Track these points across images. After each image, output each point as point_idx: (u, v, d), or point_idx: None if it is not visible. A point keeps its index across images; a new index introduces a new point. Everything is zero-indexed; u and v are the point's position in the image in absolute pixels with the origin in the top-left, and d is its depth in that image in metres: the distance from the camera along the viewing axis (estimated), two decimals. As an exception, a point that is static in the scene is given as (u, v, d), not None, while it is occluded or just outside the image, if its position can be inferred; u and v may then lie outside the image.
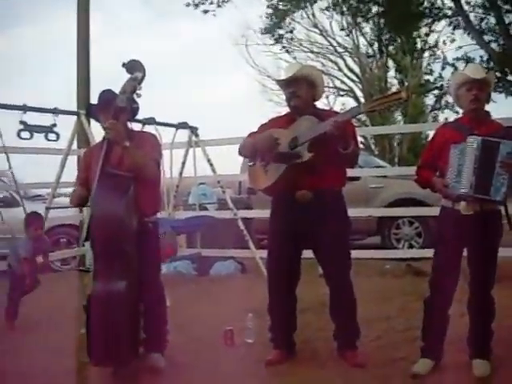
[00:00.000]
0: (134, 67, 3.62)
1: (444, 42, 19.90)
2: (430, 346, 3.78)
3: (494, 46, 10.61)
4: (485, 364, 3.67)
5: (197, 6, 11.49)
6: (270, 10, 12.58)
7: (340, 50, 28.38)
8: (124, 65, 3.62)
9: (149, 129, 6.70)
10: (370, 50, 25.09)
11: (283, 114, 4.18)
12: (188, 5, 11.55)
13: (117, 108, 3.57)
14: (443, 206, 3.76)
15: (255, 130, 4.12)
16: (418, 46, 20.06)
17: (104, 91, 3.88)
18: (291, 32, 13.66)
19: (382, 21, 11.98)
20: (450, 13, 11.38)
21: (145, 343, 3.95)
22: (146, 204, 3.75)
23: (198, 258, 7.93)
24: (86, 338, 3.56)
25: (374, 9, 11.76)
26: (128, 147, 3.55)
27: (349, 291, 3.98)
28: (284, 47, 14.17)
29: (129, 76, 3.62)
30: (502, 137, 3.53)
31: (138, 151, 3.64)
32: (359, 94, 27.39)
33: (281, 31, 12.94)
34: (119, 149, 3.59)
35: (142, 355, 3.93)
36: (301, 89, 3.88)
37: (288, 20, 12.86)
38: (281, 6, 12.32)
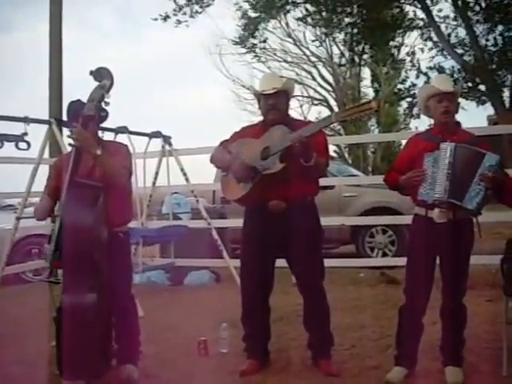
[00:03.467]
0: (101, 75, 3.55)
1: (413, 53, 20.19)
2: (404, 353, 3.80)
3: (465, 56, 10.76)
4: (457, 371, 3.69)
5: (166, 19, 11.42)
6: (244, 20, 12.60)
7: (314, 59, 28.64)
8: (91, 72, 3.56)
9: (122, 138, 6.66)
10: (344, 60, 25.30)
11: (255, 122, 4.17)
12: (156, 19, 11.50)
13: (85, 116, 3.50)
14: (416, 213, 3.79)
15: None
16: (393, 55, 20.24)
17: (73, 102, 3.83)
18: (264, 41, 13.68)
19: (355, 31, 12.06)
20: (421, 24, 11.53)
21: (117, 355, 3.90)
22: (117, 214, 3.69)
23: (172, 267, 7.88)
24: (56, 351, 3.50)
25: (347, 19, 11.83)
26: (99, 156, 3.49)
27: (322, 300, 3.98)
28: (258, 56, 14.21)
29: (97, 84, 3.55)
30: (472, 145, 3.57)
31: (109, 160, 3.59)
32: (333, 103, 27.64)
33: (254, 40, 12.96)
34: (89, 158, 3.53)
35: (115, 367, 3.88)
36: (281, 102, 3.91)
37: (261, 29, 12.88)
38: (252, 14, 12.33)
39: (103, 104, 3.55)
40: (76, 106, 3.75)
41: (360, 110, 3.52)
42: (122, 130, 6.71)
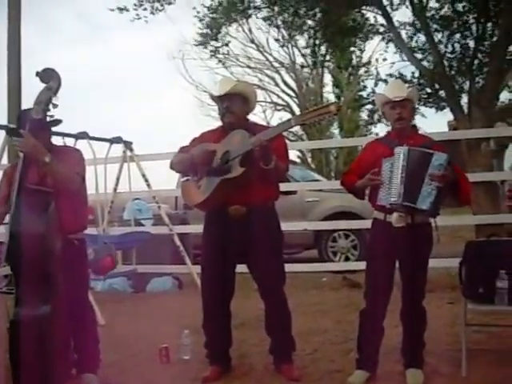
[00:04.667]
0: (48, 76, 3.42)
1: (377, 60, 20.41)
2: (365, 357, 3.82)
3: (424, 62, 10.91)
4: (418, 373, 3.74)
5: (122, 10, 11.25)
6: (205, 23, 12.56)
7: (276, 65, 28.76)
8: (38, 74, 3.42)
9: (82, 143, 6.58)
10: (306, 65, 25.47)
11: (215, 127, 4.16)
12: (113, 10, 11.31)
13: (32, 120, 3.36)
14: (375, 218, 3.82)
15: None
16: (354, 61, 20.50)
17: (24, 111, 3.72)
18: (226, 45, 13.62)
19: (317, 34, 12.12)
20: (382, 29, 11.65)
21: (76, 364, 3.83)
22: (71, 220, 3.59)
23: (134, 274, 7.81)
24: (10, 364, 3.37)
25: (309, 22, 11.88)
26: (48, 163, 3.37)
27: (283, 305, 3.98)
28: (220, 61, 14.17)
29: (43, 86, 3.41)
30: (427, 148, 3.63)
31: (60, 166, 3.47)
32: (296, 108, 27.75)
33: (216, 43, 12.92)
34: (40, 163, 3.40)
35: (75, 376, 3.82)
36: (235, 105, 3.88)
37: (223, 33, 12.85)
38: (213, 16, 12.28)
39: (51, 106, 3.42)
40: (26, 114, 3.54)
41: (319, 114, 3.54)
42: (82, 135, 6.62)
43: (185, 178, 4.04)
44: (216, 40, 12.81)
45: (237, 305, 4.16)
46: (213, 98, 4.09)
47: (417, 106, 11.54)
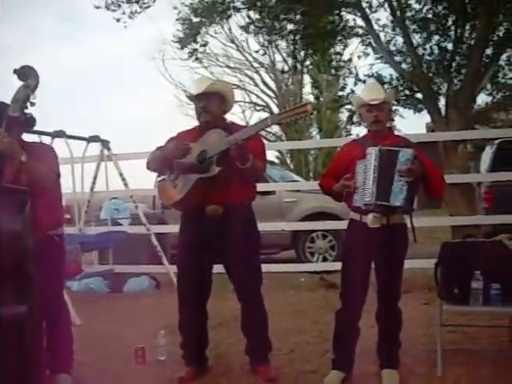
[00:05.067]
0: (26, 74, 3.35)
1: (359, 57, 20.43)
2: (341, 357, 3.83)
3: (403, 64, 11.00)
4: (393, 373, 3.75)
5: (98, 7, 11.18)
6: (185, 25, 12.50)
7: (256, 65, 28.77)
8: (15, 71, 3.35)
9: (59, 142, 6.53)
10: (286, 67, 25.52)
11: (192, 127, 4.13)
12: (98, 7, 11.23)
13: (9, 118, 3.29)
14: (351, 218, 3.84)
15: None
16: (334, 63, 20.55)
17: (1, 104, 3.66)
18: (204, 45, 13.56)
19: (297, 37, 12.14)
20: (361, 32, 11.69)
21: (50, 364, 3.78)
22: (48, 217, 3.55)
23: (111, 274, 7.76)
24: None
25: (289, 26, 11.90)
26: (24, 162, 3.31)
27: (259, 306, 3.97)
28: (197, 59, 14.09)
29: (21, 83, 3.34)
30: (403, 147, 3.65)
31: (35, 164, 3.42)
32: (275, 109, 27.73)
33: (195, 45, 12.86)
34: (15, 161, 3.33)
35: (48, 377, 3.77)
36: (212, 104, 3.86)
37: (203, 34, 12.80)
38: (193, 19, 12.25)
39: (29, 105, 3.37)
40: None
41: (295, 113, 3.54)
42: (59, 133, 6.58)
43: (161, 178, 4.01)
44: (195, 41, 12.76)
45: (214, 305, 4.15)
46: (189, 97, 4.07)
47: (395, 107, 11.68)
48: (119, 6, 11.16)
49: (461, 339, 4.49)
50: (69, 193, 6.82)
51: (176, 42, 13.18)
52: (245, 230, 3.85)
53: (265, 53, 14.79)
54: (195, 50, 13.25)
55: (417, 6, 11.06)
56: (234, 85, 28.99)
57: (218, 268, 3.97)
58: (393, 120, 11.63)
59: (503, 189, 8.34)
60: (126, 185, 7.63)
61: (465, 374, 3.85)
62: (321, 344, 4.61)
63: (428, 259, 5.46)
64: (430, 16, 10.96)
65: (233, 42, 27.25)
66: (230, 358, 4.33)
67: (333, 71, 17.07)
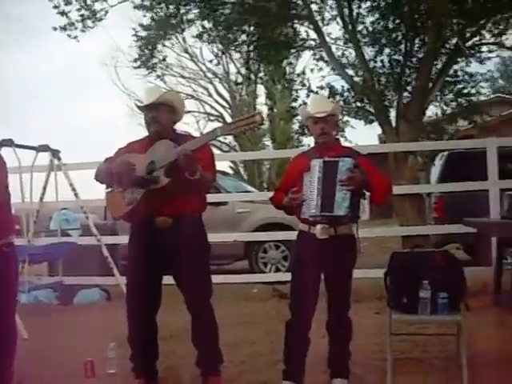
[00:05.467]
0: None
1: (311, 70, 20.54)
2: (292, 368, 3.83)
3: (355, 77, 11.16)
4: (344, 383, 3.78)
5: (64, 29, 11.06)
6: (139, 42, 12.39)
7: (210, 75, 28.84)
8: None
9: (7, 151, 6.38)
10: (240, 77, 25.56)
11: (143, 137, 4.09)
12: (55, 29, 11.08)
13: None
14: (300, 230, 3.87)
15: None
16: (287, 74, 20.71)
17: None
18: (164, 60, 13.50)
19: (250, 48, 12.19)
20: (313, 44, 11.81)
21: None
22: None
23: (61, 286, 7.61)
24: None
25: (243, 37, 11.94)
26: None
27: (209, 317, 3.93)
28: (154, 71, 13.99)
29: None
30: (351, 157, 3.71)
31: None
32: (229, 119, 27.77)
33: (154, 60, 12.76)
34: None
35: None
36: (161, 114, 3.82)
37: (159, 46, 12.70)
38: (148, 34, 12.17)
39: None
40: None
41: (245, 124, 3.54)
42: (7, 142, 6.43)
43: (109, 189, 3.96)
44: (153, 56, 12.68)
45: (165, 317, 4.11)
46: (139, 107, 4.04)
47: (347, 118, 11.82)
48: (73, 24, 11.03)
49: (410, 348, 4.55)
50: (17, 203, 6.67)
51: (135, 61, 13.04)
52: (194, 241, 3.81)
53: (218, 63, 14.83)
54: (154, 64, 13.16)
55: (368, 20, 11.25)
56: (187, 95, 28.99)
57: (169, 279, 3.93)
58: (343, 131, 11.78)
59: (452, 199, 8.52)
60: (76, 195, 7.50)
61: (414, 382, 3.92)
62: (272, 355, 4.59)
63: (379, 269, 5.51)
64: (380, 29, 11.14)
65: (187, 51, 27.25)
66: (180, 370, 4.30)
67: (286, 83, 17.14)
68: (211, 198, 7.65)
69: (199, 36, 11.91)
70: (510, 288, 5.89)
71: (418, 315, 3.85)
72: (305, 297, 3.76)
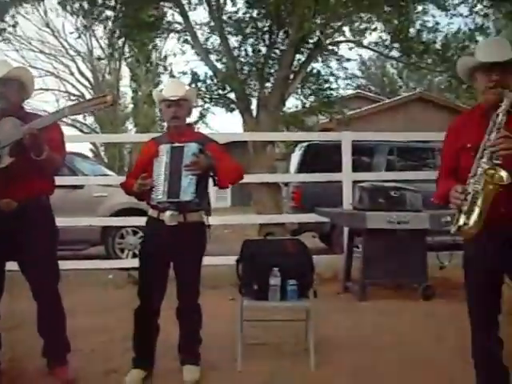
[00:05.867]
0: None
1: (175, 54, 20.31)
2: (141, 355, 3.81)
3: (218, 64, 11.22)
4: (194, 369, 3.80)
5: None
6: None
7: (72, 53, 27.79)
8: None
9: None
10: (103, 55, 24.87)
11: None
12: None
13: None
14: (150, 215, 3.84)
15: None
16: (153, 57, 20.42)
17: None
18: (14, 26, 12.71)
19: (116, 25, 11.84)
20: (179, 28, 11.71)
21: None
22: None
23: None
24: None
25: (108, 13, 11.56)
26: None
27: (56, 305, 3.79)
28: (8, 42, 13.17)
29: None
30: (200, 143, 3.70)
31: None
32: (91, 100, 26.92)
33: (3, 24, 11.98)
34: None
35: None
36: (9, 90, 3.61)
37: (13, 13, 11.95)
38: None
39: None
40: None
41: (95, 104, 3.43)
42: None
43: None
44: (2, 20, 11.92)
45: (13, 305, 3.91)
46: None
47: (208, 105, 11.84)
48: None
49: (263, 334, 4.63)
50: None
51: None
52: (40, 225, 3.65)
53: (79, 36, 14.21)
54: (3, 29, 12.38)
55: (233, 9, 11.33)
56: (47, 72, 27.76)
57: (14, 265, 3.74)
58: (204, 117, 11.75)
59: (309, 189, 8.82)
60: None
61: (264, 366, 4.01)
62: (125, 342, 4.48)
63: (236, 256, 5.61)
64: (246, 19, 11.26)
65: (48, 26, 26.06)
66: (26, 361, 4.09)
67: (150, 66, 16.91)
68: (67, 180, 7.44)
69: (62, 4, 11.40)
70: (359, 276, 6.18)
71: (268, 302, 3.96)
72: (152, 283, 3.76)
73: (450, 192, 2.76)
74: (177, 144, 3.68)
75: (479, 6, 11.81)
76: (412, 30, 11.73)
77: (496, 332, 2.97)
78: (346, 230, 6.87)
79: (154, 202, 3.68)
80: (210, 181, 3.80)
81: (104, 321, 5.26)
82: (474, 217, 2.65)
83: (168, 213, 3.64)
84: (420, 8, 11.84)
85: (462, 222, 2.68)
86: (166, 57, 13.09)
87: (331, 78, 12.55)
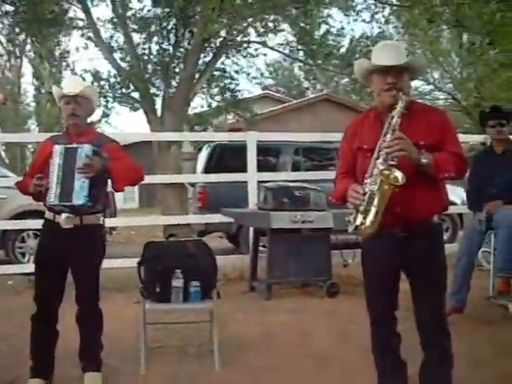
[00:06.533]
0: None
1: (77, 49, 19.67)
2: (40, 364, 3.69)
3: (122, 62, 11.02)
4: (96, 376, 3.71)
5: None
6: None
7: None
8: None
9: None
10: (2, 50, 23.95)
11: None
12: None
13: None
14: (46, 218, 3.73)
15: None
16: (57, 53, 19.88)
17: None
18: None
19: (15, 21, 11.43)
20: (81, 24, 11.46)
21: None
22: None
23: None
24: None
25: (7, 7, 11.15)
26: None
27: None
28: None
29: None
30: (98, 144, 3.63)
31: None
32: (-11, 97, 25.85)
33: None
34: None
35: None
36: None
37: None
38: None
39: None
40: None
41: None
42: None
43: None
44: None
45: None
46: None
47: (112, 104, 11.63)
48: None
49: (167, 336, 4.60)
50: None
51: None
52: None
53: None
54: None
55: (138, 5, 11.20)
56: None
57: None
58: (107, 116, 11.53)
59: (216, 189, 8.81)
60: None
61: (168, 369, 3.98)
62: (25, 350, 4.34)
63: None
64: (150, 16, 11.14)
65: None
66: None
67: (54, 62, 16.41)
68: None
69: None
70: (264, 275, 6.23)
71: (171, 304, 3.93)
72: (48, 288, 3.66)
73: (347, 192, 2.82)
74: (70, 145, 3.57)
75: (380, 14, 12.27)
76: (317, 33, 11.99)
77: (394, 327, 3.07)
78: (251, 230, 6.91)
79: (48, 204, 3.58)
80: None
81: (3, 328, 5.05)
82: (371, 217, 2.72)
83: (63, 215, 3.55)
84: (325, 12, 12.14)
85: (359, 221, 2.76)
86: (68, 52, 12.75)
87: (238, 76, 12.62)
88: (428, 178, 2.79)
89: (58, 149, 3.56)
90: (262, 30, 12.18)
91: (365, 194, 2.73)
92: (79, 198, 3.48)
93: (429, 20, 11.27)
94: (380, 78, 2.90)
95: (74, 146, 3.56)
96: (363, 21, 12.80)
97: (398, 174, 2.68)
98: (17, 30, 11.94)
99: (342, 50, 12.30)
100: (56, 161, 3.54)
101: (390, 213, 2.74)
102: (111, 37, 11.42)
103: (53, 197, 3.51)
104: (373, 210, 2.72)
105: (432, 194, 2.86)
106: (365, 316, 3.15)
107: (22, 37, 12.77)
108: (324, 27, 12.18)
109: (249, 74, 13.42)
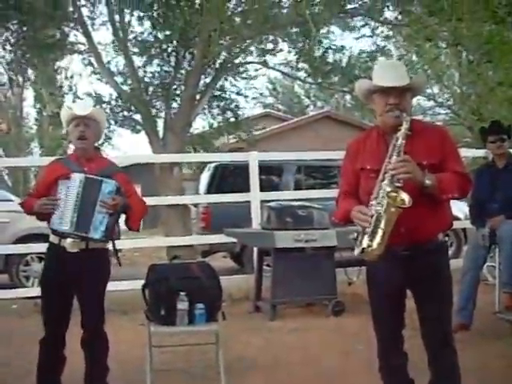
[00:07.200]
0: None
1: (80, 75, 19.81)
2: None
3: (123, 85, 11.07)
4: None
5: None
6: None
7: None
8: None
9: None
10: (4, 78, 24.07)
11: None
12: None
13: None
14: (51, 241, 3.72)
15: None
16: (58, 77, 19.99)
17: None
18: None
19: (15, 48, 11.50)
20: (83, 48, 11.53)
21: None
22: None
23: None
24: None
25: (7, 34, 11.22)
26: None
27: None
28: None
29: None
30: (108, 173, 3.64)
31: None
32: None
33: None
34: None
35: None
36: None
37: None
38: None
39: None
40: None
41: None
42: None
43: None
44: None
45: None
46: None
47: (114, 127, 11.68)
48: None
49: (173, 359, 4.56)
50: None
51: None
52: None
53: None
54: None
55: (139, 29, 11.29)
56: None
57: None
58: (110, 138, 11.60)
59: (219, 209, 8.80)
60: None
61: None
62: (30, 376, 4.32)
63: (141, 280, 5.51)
64: (151, 39, 11.21)
65: None
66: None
67: (56, 86, 16.52)
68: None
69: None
70: (269, 295, 6.20)
71: (176, 327, 3.91)
72: (55, 313, 3.65)
73: (351, 212, 2.82)
74: (92, 176, 3.56)
75: (380, 29, 12.32)
76: (317, 51, 12.02)
77: (400, 347, 3.05)
78: (255, 249, 6.89)
79: (56, 228, 3.56)
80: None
81: (6, 353, 5.03)
82: (378, 239, 2.70)
83: (69, 240, 3.54)
84: (325, 30, 12.18)
85: (365, 244, 2.73)
86: (72, 76, 12.84)
87: (238, 97, 12.67)
88: (432, 198, 2.79)
89: (77, 176, 3.54)
90: (261, 50, 12.25)
91: (372, 216, 2.72)
92: (97, 232, 3.50)
93: (427, 38, 11.34)
94: (382, 99, 2.90)
95: (98, 178, 3.55)
96: (363, 36, 12.87)
97: (405, 197, 2.68)
98: (18, 56, 12.00)
99: (342, 64, 12.31)
100: (74, 188, 3.51)
101: (394, 233, 2.73)
102: (112, 59, 11.51)
103: (67, 224, 3.50)
104: (379, 232, 2.70)
105: (436, 213, 2.86)
106: (371, 334, 3.13)
107: (24, 62, 12.81)
108: (324, 44, 12.20)
109: (246, 97, 13.47)
